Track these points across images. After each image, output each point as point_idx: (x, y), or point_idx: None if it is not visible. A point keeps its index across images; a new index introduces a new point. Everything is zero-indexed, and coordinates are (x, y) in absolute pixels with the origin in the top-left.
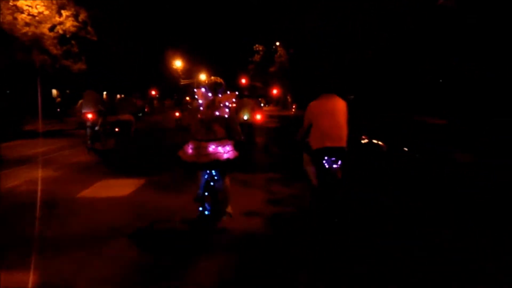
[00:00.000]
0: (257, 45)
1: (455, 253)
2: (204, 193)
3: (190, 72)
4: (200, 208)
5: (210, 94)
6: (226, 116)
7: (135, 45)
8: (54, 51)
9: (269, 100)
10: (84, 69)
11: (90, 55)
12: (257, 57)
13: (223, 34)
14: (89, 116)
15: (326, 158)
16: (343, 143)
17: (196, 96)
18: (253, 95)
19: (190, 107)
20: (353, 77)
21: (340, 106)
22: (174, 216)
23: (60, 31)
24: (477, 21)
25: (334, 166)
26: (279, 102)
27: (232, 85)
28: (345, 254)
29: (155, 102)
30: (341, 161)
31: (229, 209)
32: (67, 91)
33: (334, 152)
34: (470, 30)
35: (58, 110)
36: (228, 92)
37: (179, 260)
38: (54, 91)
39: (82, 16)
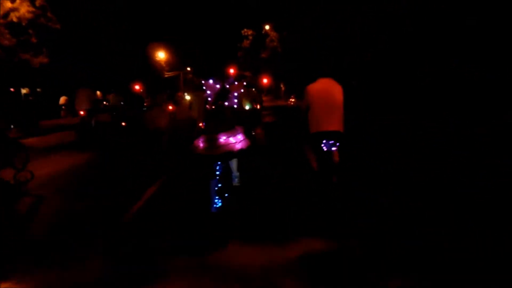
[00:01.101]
0: (245, 29)
1: (455, 253)
2: (217, 185)
3: (174, 64)
4: (215, 200)
5: (218, 85)
6: (235, 106)
7: (117, 35)
8: (6, 42)
9: (259, 90)
10: (46, 62)
11: (57, 46)
12: (246, 43)
13: (209, 19)
14: (81, 113)
15: (324, 141)
16: (340, 127)
17: (204, 87)
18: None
19: (183, 101)
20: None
21: (336, 90)
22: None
23: (14, 19)
24: (477, 22)
25: (333, 148)
26: (271, 91)
27: (220, 75)
28: (342, 254)
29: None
30: (339, 144)
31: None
32: (38, 90)
33: (332, 136)
34: (470, 31)
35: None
36: (236, 83)
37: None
38: (24, 91)
39: (39, 1)
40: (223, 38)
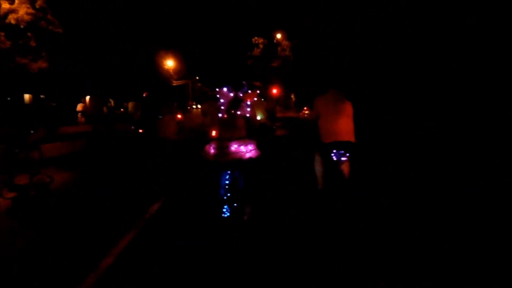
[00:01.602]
0: (256, 38)
1: (455, 253)
2: (226, 194)
3: (182, 72)
4: (224, 209)
5: (231, 94)
6: (248, 115)
7: (118, 35)
8: (2, 45)
9: (271, 100)
10: (45, 67)
11: (58, 50)
12: (256, 51)
13: (219, 27)
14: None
15: (334, 151)
16: (351, 137)
17: (217, 96)
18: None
19: (194, 110)
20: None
21: (345, 102)
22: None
23: (12, 21)
24: (477, 22)
25: (343, 158)
26: (280, 102)
27: (232, 83)
28: (342, 254)
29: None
30: (349, 154)
31: (248, 210)
32: (42, 96)
33: (343, 146)
34: (469, 31)
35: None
36: (250, 91)
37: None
38: (27, 96)
39: (40, 2)
40: (233, 46)
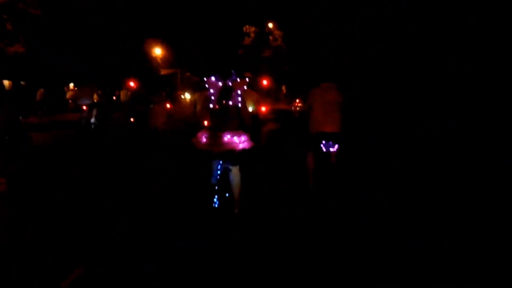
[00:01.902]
0: (247, 26)
1: (455, 253)
2: (216, 184)
3: (171, 61)
4: (215, 199)
5: (220, 83)
6: (239, 105)
7: (114, 31)
8: None
9: (259, 92)
10: (22, 52)
11: (40, 35)
12: (247, 40)
13: (208, 14)
14: (84, 108)
15: (324, 142)
16: (339, 129)
17: (206, 85)
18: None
19: (183, 100)
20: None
21: (337, 95)
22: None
23: None
24: (477, 22)
25: (331, 149)
26: (270, 94)
27: (221, 72)
28: (342, 254)
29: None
30: (338, 145)
31: (237, 201)
32: (22, 83)
33: (331, 137)
34: (470, 31)
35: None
36: (238, 80)
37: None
38: (6, 82)
39: None
40: (223, 35)
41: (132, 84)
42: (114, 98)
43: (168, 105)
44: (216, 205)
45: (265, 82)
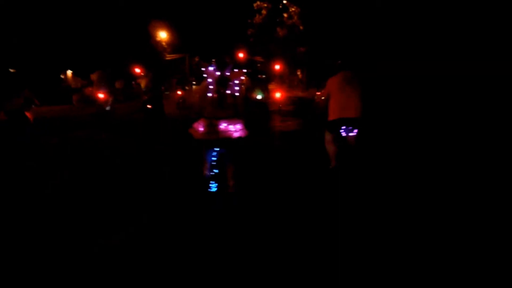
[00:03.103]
0: (258, 2)
1: (455, 253)
2: (212, 170)
3: (177, 45)
4: (211, 185)
5: (217, 73)
6: (237, 94)
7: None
8: None
9: (271, 78)
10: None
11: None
12: (258, 18)
13: None
14: (101, 96)
15: (343, 127)
16: (359, 114)
17: (205, 75)
18: (253, 74)
19: (194, 86)
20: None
21: (356, 81)
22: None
23: None
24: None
25: (350, 134)
26: (284, 79)
27: (226, 58)
28: (343, 255)
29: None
30: (357, 130)
31: (232, 185)
32: (11, 70)
33: (351, 122)
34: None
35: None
36: (236, 70)
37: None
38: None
39: None
40: (231, 13)
41: (137, 70)
42: (134, 86)
43: (179, 92)
44: (213, 190)
45: (277, 67)
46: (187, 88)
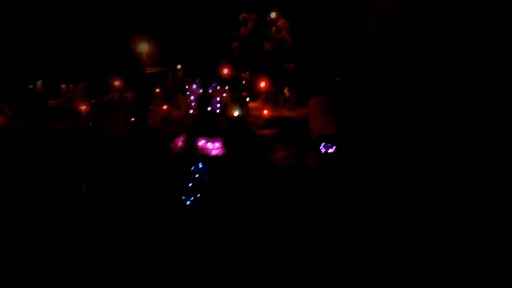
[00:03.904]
0: (245, 14)
1: (455, 253)
2: (189, 184)
3: (158, 58)
4: (187, 197)
5: (200, 90)
6: (218, 111)
7: None
8: None
9: (255, 95)
10: None
11: None
12: (244, 31)
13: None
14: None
15: (323, 144)
16: (336, 132)
17: (187, 93)
18: (236, 91)
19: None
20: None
21: (335, 101)
22: None
23: None
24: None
25: (330, 150)
26: (270, 97)
27: (210, 74)
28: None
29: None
30: (336, 146)
31: (212, 199)
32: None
33: (330, 139)
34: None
35: None
36: (218, 87)
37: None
38: None
39: None
40: (215, 25)
41: (117, 83)
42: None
43: (164, 107)
44: (188, 203)
45: (263, 84)
46: (171, 102)
